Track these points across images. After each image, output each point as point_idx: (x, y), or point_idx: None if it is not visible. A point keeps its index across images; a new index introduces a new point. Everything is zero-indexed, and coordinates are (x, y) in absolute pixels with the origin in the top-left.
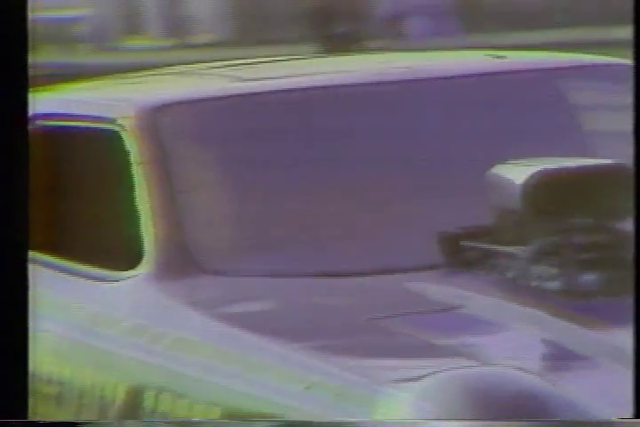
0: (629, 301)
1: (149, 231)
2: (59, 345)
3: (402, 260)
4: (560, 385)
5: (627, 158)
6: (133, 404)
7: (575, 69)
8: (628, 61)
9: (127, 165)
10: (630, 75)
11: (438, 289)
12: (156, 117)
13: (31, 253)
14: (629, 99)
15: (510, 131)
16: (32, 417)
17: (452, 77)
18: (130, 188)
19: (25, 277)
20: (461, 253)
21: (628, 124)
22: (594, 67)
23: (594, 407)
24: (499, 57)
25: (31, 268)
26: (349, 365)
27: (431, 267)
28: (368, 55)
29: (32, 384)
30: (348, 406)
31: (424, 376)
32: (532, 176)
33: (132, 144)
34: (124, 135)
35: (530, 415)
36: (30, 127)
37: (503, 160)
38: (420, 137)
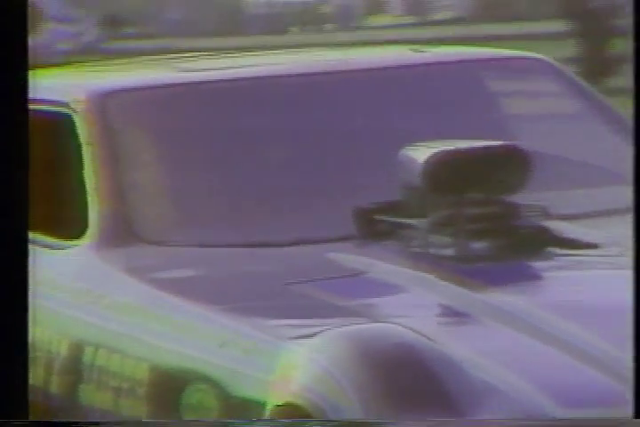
0: (512, 265)
1: (94, 205)
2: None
3: (320, 231)
4: (441, 340)
5: (539, 138)
6: (75, 358)
7: (488, 61)
8: (539, 55)
9: (78, 144)
10: (540, 67)
11: (349, 258)
12: (105, 102)
13: None
14: (537, 87)
15: (430, 117)
16: None
17: (377, 69)
18: (80, 165)
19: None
20: (373, 226)
21: (533, 108)
22: (506, 59)
23: (470, 360)
24: (419, 51)
25: None
26: (259, 324)
27: (346, 238)
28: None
29: None
30: (255, 360)
31: (318, 333)
32: (431, 156)
33: (82, 126)
34: (75, 118)
35: (407, 365)
36: None
37: (419, 141)
38: (345, 120)
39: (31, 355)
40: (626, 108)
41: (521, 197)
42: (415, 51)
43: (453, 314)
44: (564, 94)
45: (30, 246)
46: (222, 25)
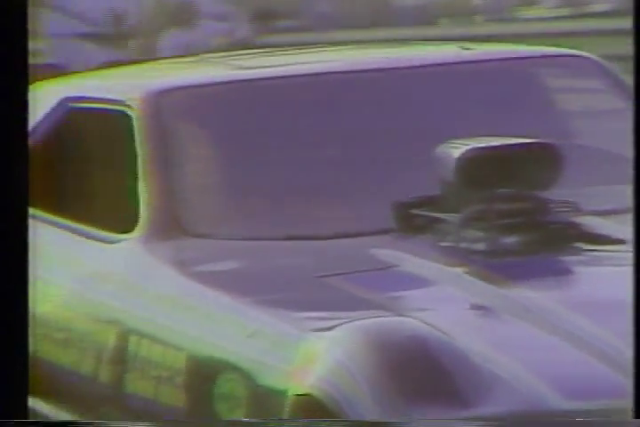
0: (541, 260)
1: (146, 200)
2: (60, 295)
3: (359, 225)
4: (458, 333)
5: (582, 134)
6: (121, 348)
7: (535, 59)
8: (585, 53)
9: (134, 141)
10: (584, 65)
11: (384, 252)
12: (159, 100)
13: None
14: (583, 84)
15: (476, 114)
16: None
17: (426, 66)
18: (134, 161)
19: (26, 235)
20: (410, 220)
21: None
22: (556, 57)
23: (483, 354)
24: (466, 48)
25: (42, 226)
26: (286, 316)
27: (384, 232)
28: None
29: (34, 328)
30: (280, 351)
31: (337, 326)
32: (464, 152)
33: (137, 122)
34: (132, 115)
35: (418, 358)
36: (58, 108)
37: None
38: (391, 118)
39: (80, 345)
40: None
41: (556, 193)
42: (463, 48)
43: (475, 308)
44: (609, 92)
45: (84, 239)
46: (371, 17)
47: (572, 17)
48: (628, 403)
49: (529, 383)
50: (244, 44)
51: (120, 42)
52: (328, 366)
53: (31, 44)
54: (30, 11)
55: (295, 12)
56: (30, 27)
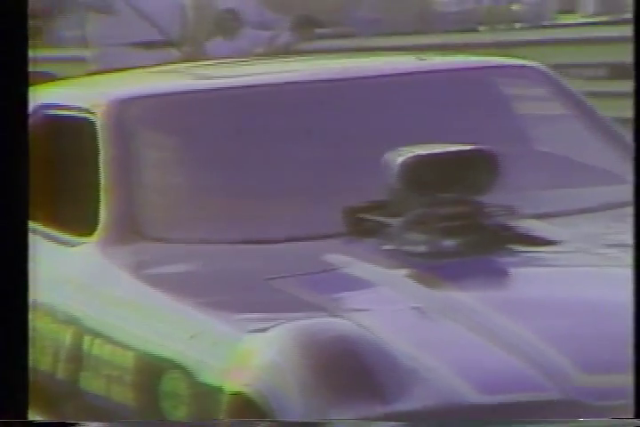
0: (476, 262)
1: (105, 204)
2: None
3: (311, 229)
4: (386, 332)
5: (537, 139)
6: (77, 346)
7: (487, 69)
8: (532, 62)
9: (97, 147)
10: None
11: (332, 255)
12: (121, 107)
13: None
14: (532, 92)
15: (428, 119)
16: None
17: (383, 76)
18: (97, 166)
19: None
20: (359, 224)
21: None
22: (505, 66)
23: (407, 352)
24: (422, 59)
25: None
26: (228, 318)
27: (334, 236)
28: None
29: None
30: (220, 351)
31: (270, 328)
32: (406, 159)
33: (100, 129)
34: (95, 121)
35: (343, 357)
36: (34, 115)
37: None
38: (344, 124)
39: (39, 344)
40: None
41: (497, 197)
42: (420, 59)
43: (408, 309)
44: (554, 99)
45: (46, 242)
46: (413, 24)
47: (610, 23)
48: (541, 396)
49: (447, 380)
50: (286, 51)
51: (166, 50)
52: (261, 365)
53: (79, 52)
54: (77, 18)
55: (337, 19)
56: (74, 35)
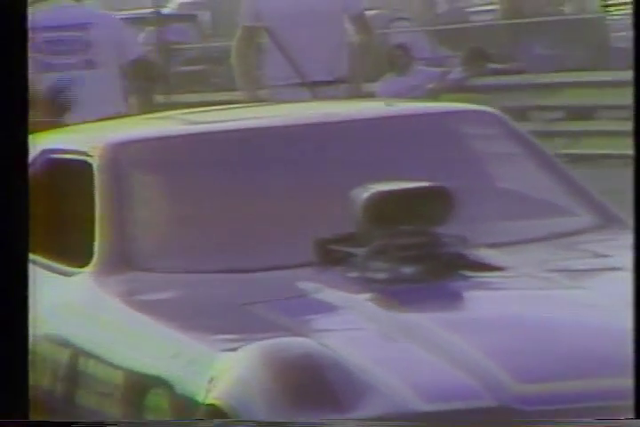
0: (431, 287)
1: (99, 237)
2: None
3: (287, 259)
4: (344, 350)
5: (492, 175)
6: (74, 366)
7: (446, 114)
8: (490, 109)
9: (93, 185)
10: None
11: (304, 282)
12: (115, 150)
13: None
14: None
15: (398, 160)
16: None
17: (353, 121)
18: (93, 203)
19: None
20: (327, 254)
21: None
22: (463, 112)
23: (361, 367)
24: (389, 105)
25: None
26: (205, 339)
27: (306, 265)
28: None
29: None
30: (198, 370)
31: (239, 347)
32: (370, 194)
33: (96, 170)
34: (92, 163)
35: (304, 372)
36: (39, 158)
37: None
38: (319, 164)
39: (40, 365)
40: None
41: (452, 228)
42: (387, 104)
43: (368, 330)
44: (505, 139)
45: (45, 272)
46: (589, 59)
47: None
48: (477, 403)
49: (397, 391)
50: (458, 87)
51: (334, 88)
52: (231, 380)
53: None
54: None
55: (511, 54)
56: None
